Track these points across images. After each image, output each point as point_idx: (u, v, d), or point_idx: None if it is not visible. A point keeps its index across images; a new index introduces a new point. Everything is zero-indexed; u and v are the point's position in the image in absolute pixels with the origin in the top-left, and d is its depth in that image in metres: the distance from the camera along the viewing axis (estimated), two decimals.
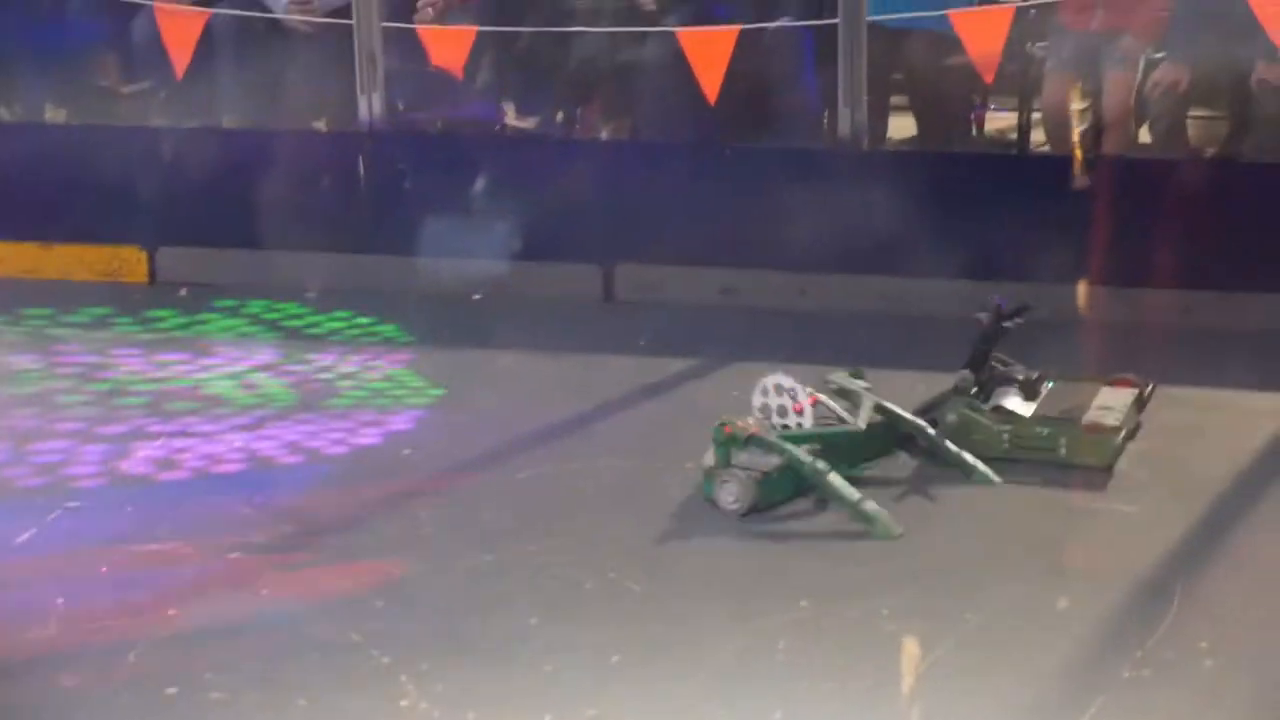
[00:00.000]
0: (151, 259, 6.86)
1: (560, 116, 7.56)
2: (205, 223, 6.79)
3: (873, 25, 6.31)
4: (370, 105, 6.70)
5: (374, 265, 6.67)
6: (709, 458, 4.69)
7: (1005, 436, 4.92)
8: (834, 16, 6.30)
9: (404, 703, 3.71)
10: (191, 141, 6.97)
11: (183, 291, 6.72)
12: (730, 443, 4.64)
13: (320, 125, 7.37)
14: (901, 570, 4.27)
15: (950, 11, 6.43)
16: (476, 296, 6.50)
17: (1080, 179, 6.02)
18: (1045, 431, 4.92)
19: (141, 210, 6.80)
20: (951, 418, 4.95)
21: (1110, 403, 5.07)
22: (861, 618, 4.02)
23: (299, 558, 4.43)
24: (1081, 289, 6.00)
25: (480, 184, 6.62)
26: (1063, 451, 4.88)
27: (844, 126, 6.31)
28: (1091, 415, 4.97)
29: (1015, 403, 5.06)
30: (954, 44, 6.46)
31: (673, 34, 6.54)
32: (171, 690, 3.76)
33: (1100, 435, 4.90)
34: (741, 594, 4.17)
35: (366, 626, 4.03)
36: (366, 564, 4.39)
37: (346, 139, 6.81)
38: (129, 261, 6.87)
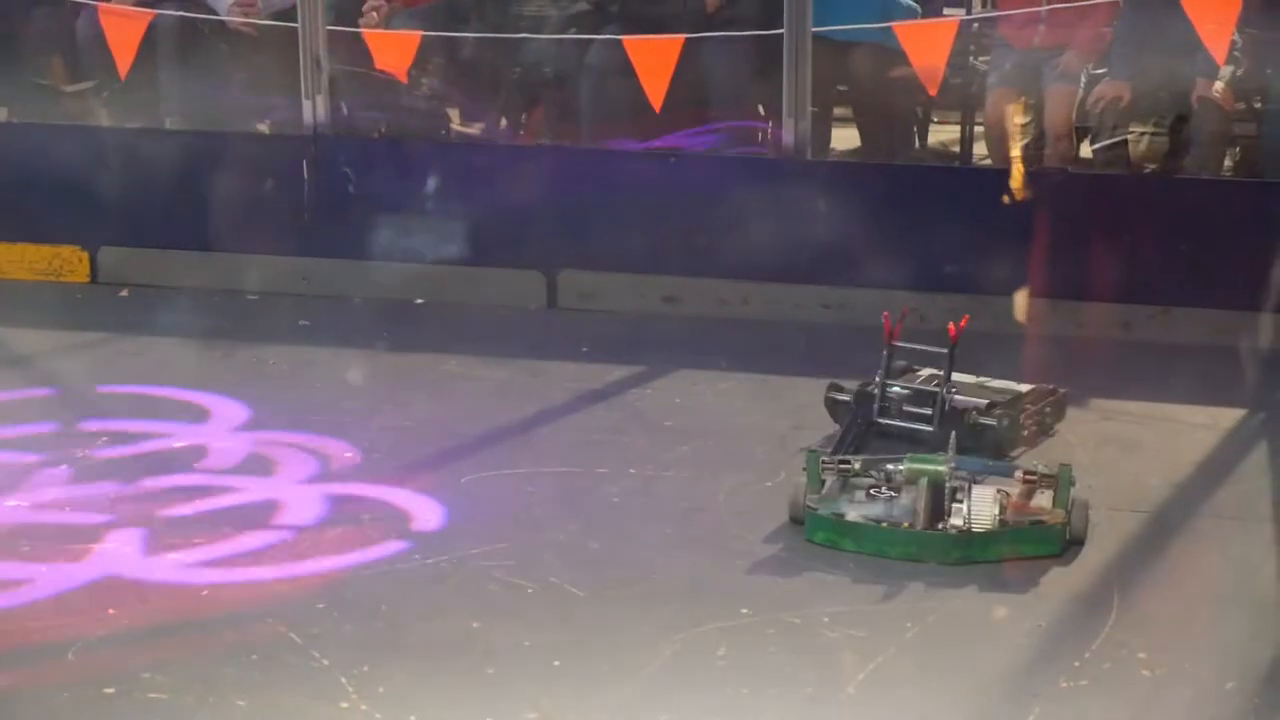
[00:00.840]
0: (93, 259, 6.82)
1: (505, 122, 7.57)
2: (148, 224, 6.76)
3: (818, 36, 6.34)
4: (315, 108, 6.68)
5: (316, 268, 6.65)
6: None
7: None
8: (779, 26, 6.33)
9: (344, 704, 3.69)
10: (134, 142, 6.94)
11: (124, 292, 6.69)
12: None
13: (264, 128, 7.35)
14: (841, 580, 4.29)
15: (895, 24, 6.48)
16: (419, 301, 6.49)
17: (1021, 192, 6.06)
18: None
19: (83, 210, 6.76)
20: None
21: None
22: (802, 625, 4.03)
23: (240, 558, 4.42)
24: (1020, 300, 6.04)
25: (425, 188, 6.62)
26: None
27: (788, 136, 6.34)
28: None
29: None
30: (898, 56, 6.50)
31: (618, 41, 6.56)
32: (110, 690, 3.74)
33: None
34: (682, 600, 4.18)
35: (307, 629, 4.02)
36: (308, 564, 4.38)
37: (290, 141, 6.79)
38: (70, 261, 6.83)
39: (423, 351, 5.98)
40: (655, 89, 6.39)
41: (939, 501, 4.36)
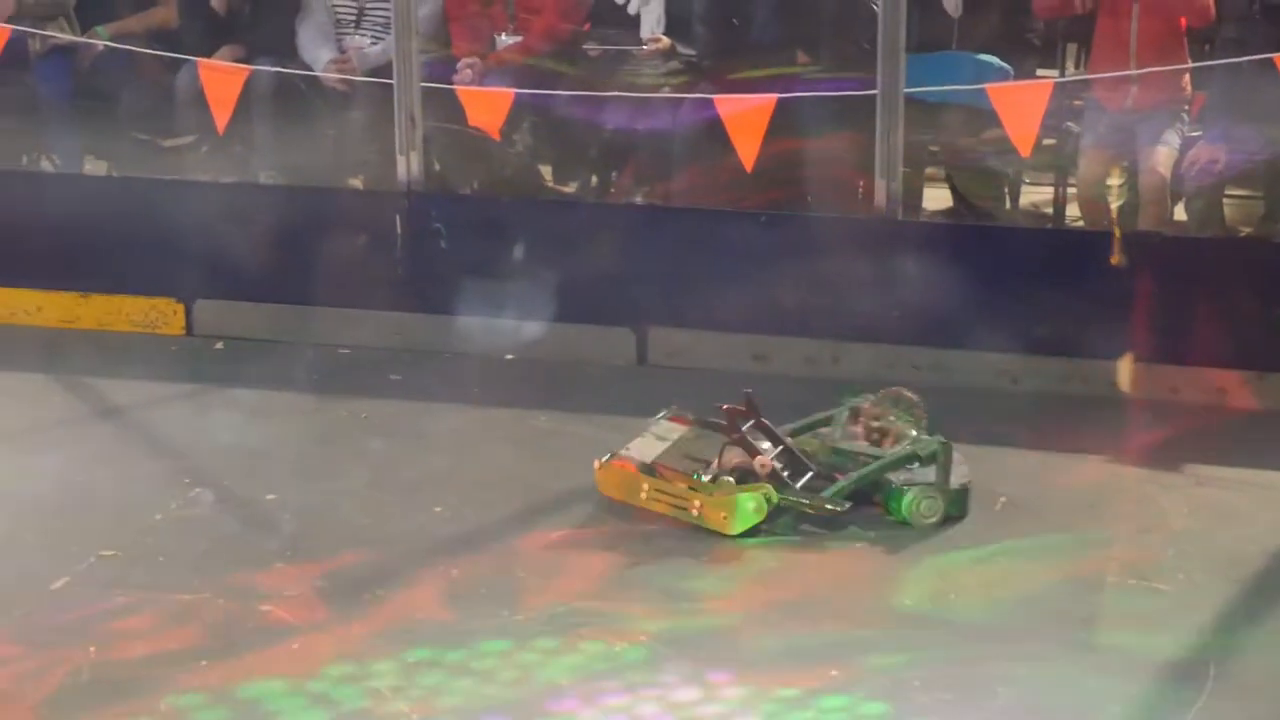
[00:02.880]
0: (188, 311, 6.89)
1: (596, 180, 7.60)
2: (242, 277, 6.83)
3: (910, 97, 6.34)
4: (409, 165, 6.74)
5: (409, 323, 6.69)
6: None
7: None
8: (873, 88, 6.33)
9: None
10: (230, 196, 7.02)
11: (218, 345, 6.75)
12: None
13: (357, 183, 7.42)
14: (930, 638, 4.26)
15: (988, 86, 6.47)
16: (509, 357, 6.51)
17: (1116, 255, 6.02)
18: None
19: (180, 263, 6.83)
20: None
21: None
22: (892, 686, 4.00)
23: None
24: (1120, 365, 5.99)
25: (516, 245, 6.65)
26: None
27: (880, 197, 6.33)
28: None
29: None
30: (991, 118, 6.49)
31: (710, 101, 6.58)
32: None
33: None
34: (764, 666, 4.17)
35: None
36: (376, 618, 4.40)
37: (384, 197, 6.85)
38: (165, 314, 6.90)
39: (512, 407, 6.00)
40: (747, 148, 6.40)
41: None
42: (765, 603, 4.51)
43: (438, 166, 7.18)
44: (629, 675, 4.09)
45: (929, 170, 7.52)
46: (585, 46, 7.41)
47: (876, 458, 5.10)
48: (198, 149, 7.56)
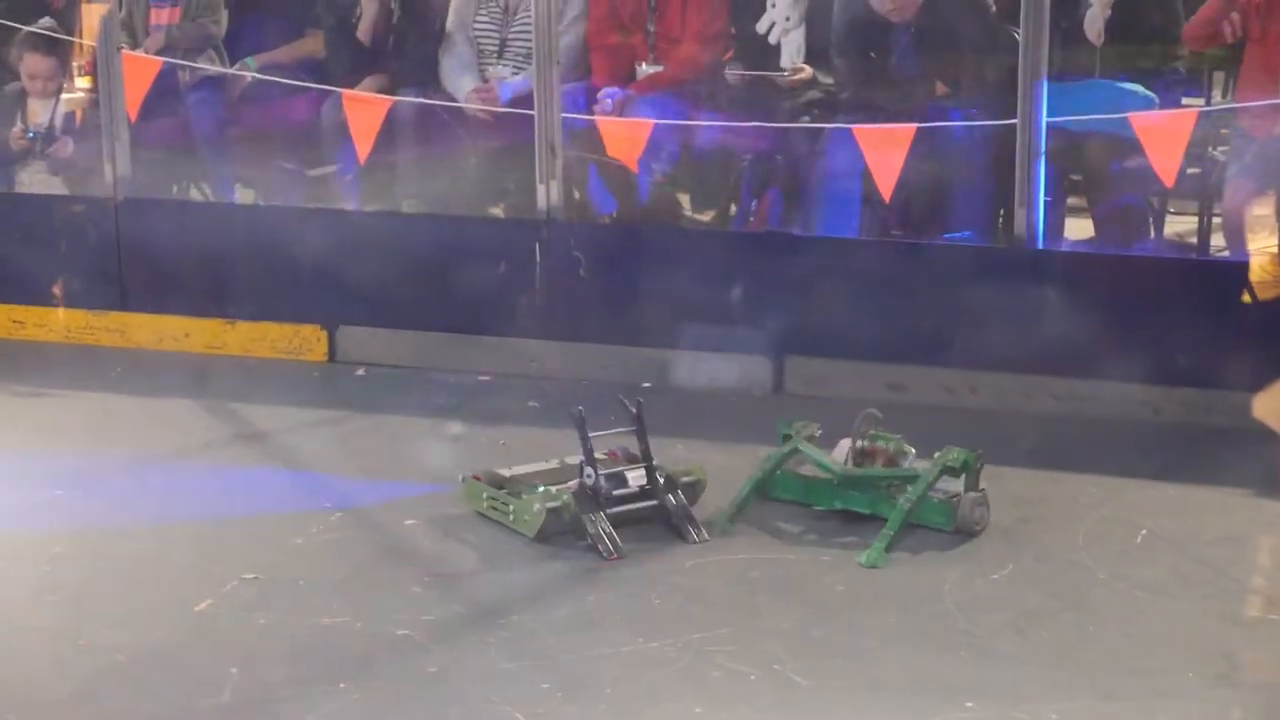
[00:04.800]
0: (331, 338, 7.00)
1: (735, 208, 7.62)
2: (384, 304, 6.92)
3: (1052, 125, 6.29)
4: (548, 193, 6.80)
5: (546, 350, 6.75)
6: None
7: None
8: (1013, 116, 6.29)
9: None
10: (373, 225, 7.12)
11: (360, 371, 6.84)
12: None
13: (498, 212, 7.49)
14: (1068, 678, 4.22)
15: (1131, 115, 6.40)
16: (646, 385, 6.54)
17: (1263, 287, 5.93)
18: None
19: (323, 290, 6.94)
20: None
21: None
22: None
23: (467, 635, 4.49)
24: (1261, 399, 5.90)
25: (653, 274, 6.68)
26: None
27: (1019, 225, 6.29)
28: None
29: None
30: (1134, 146, 6.42)
31: (849, 130, 6.57)
32: None
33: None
34: (906, 691, 4.15)
35: (533, 708, 4.06)
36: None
37: (523, 226, 6.91)
38: (309, 340, 7.01)
39: (649, 435, 6.01)
40: (886, 177, 6.39)
41: None
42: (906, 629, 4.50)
43: (577, 195, 7.24)
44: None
45: (1070, 199, 7.45)
46: (726, 75, 7.43)
47: (909, 477, 5.13)
48: (341, 177, 7.66)
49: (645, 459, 5.22)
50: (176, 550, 5.06)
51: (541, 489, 5.16)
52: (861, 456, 5.28)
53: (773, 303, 6.55)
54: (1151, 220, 7.47)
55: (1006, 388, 6.26)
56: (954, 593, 4.72)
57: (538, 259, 6.79)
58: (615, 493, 5.13)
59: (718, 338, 6.57)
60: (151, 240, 7.14)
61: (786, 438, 5.44)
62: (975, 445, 5.16)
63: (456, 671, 4.30)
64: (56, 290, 7.19)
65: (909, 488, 5.09)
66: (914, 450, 5.26)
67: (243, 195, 7.94)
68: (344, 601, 4.69)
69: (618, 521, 5.08)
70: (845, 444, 5.33)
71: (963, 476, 5.09)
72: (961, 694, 4.11)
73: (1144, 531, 5.12)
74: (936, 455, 5.14)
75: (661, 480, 5.20)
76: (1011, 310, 6.22)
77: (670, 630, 4.48)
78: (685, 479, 5.29)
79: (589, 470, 5.14)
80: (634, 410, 5.23)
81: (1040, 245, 6.31)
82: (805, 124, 7.11)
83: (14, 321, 7.24)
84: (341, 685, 4.22)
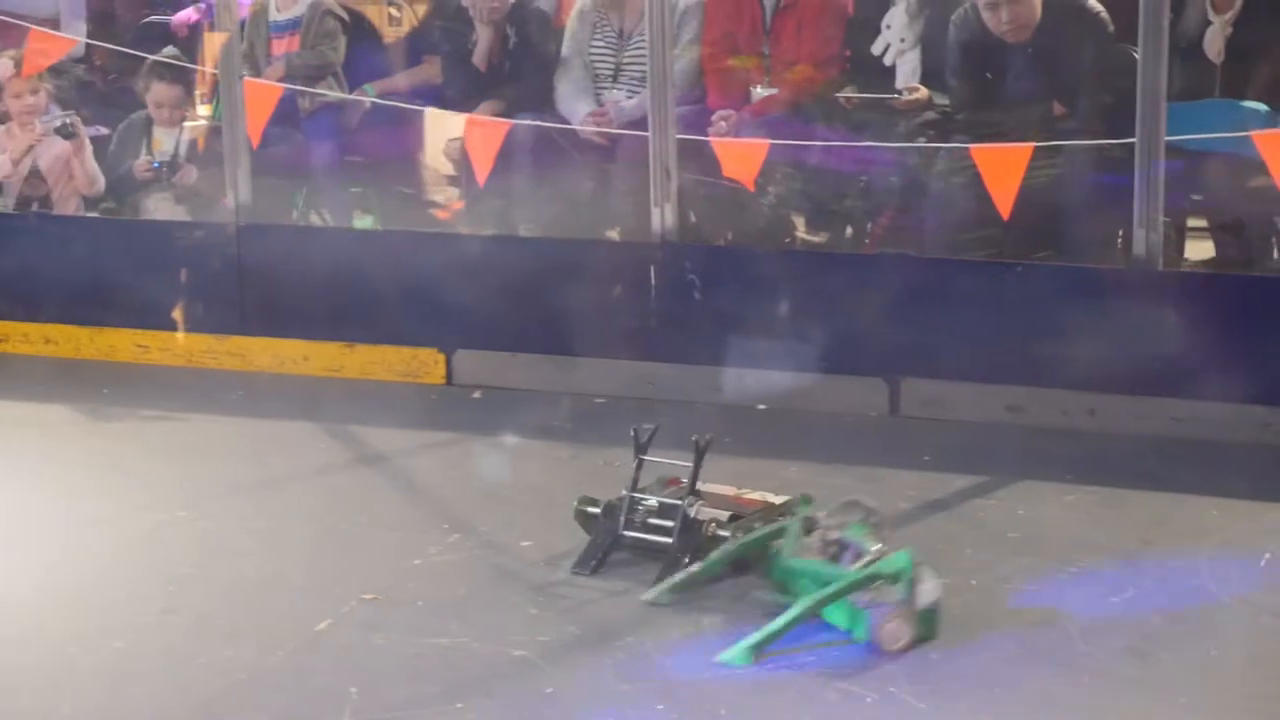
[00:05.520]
0: (449, 361, 7.05)
1: (850, 230, 7.60)
2: (501, 328, 6.97)
3: (1171, 145, 6.23)
4: (663, 216, 6.81)
5: (661, 372, 6.76)
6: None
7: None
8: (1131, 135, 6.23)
9: None
10: (490, 248, 7.17)
11: (477, 394, 6.89)
12: None
13: (613, 235, 7.52)
14: (1195, 700, 4.17)
15: (1254, 133, 6.32)
16: (761, 407, 6.53)
17: None
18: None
19: (441, 314, 7.00)
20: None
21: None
22: None
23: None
24: None
25: (768, 296, 6.68)
26: None
27: (1139, 246, 6.22)
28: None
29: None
30: (1256, 166, 6.34)
31: (966, 150, 6.54)
32: None
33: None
34: (1026, 715, 4.11)
35: None
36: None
37: (639, 248, 6.93)
38: (427, 363, 7.07)
39: (763, 457, 6.01)
40: (1003, 197, 6.34)
41: None
42: None
43: (692, 218, 7.25)
44: None
45: (1190, 219, 7.37)
46: (840, 96, 7.42)
47: (835, 578, 4.62)
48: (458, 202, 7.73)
49: (686, 494, 5.02)
50: (296, 571, 5.12)
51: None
52: (829, 546, 4.83)
53: (888, 324, 6.53)
54: (1275, 240, 7.37)
55: (1124, 409, 6.20)
56: (1074, 616, 4.67)
57: (653, 281, 6.81)
58: (636, 519, 5.02)
59: (833, 359, 6.56)
60: (271, 265, 7.23)
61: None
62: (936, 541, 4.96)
63: (572, 692, 4.31)
64: (179, 315, 7.30)
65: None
66: (877, 546, 4.72)
67: (360, 220, 8.03)
68: (461, 622, 4.72)
69: (635, 545, 5.04)
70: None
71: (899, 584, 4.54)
72: (1082, 717, 4.07)
73: (1268, 555, 5.05)
74: (872, 558, 4.66)
75: (682, 522, 4.93)
76: (1130, 332, 6.16)
77: (784, 653, 4.47)
78: (719, 532, 4.95)
79: (625, 491, 5.08)
80: (699, 444, 5.07)
81: (1160, 266, 6.25)
82: (921, 144, 7.08)
83: (139, 346, 7.36)
84: (459, 705, 4.25)
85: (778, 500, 5.15)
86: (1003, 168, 6.36)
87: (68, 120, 7.76)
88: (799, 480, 5.71)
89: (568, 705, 4.25)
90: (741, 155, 6.92)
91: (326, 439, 6.41)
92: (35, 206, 7.80)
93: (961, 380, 6.43)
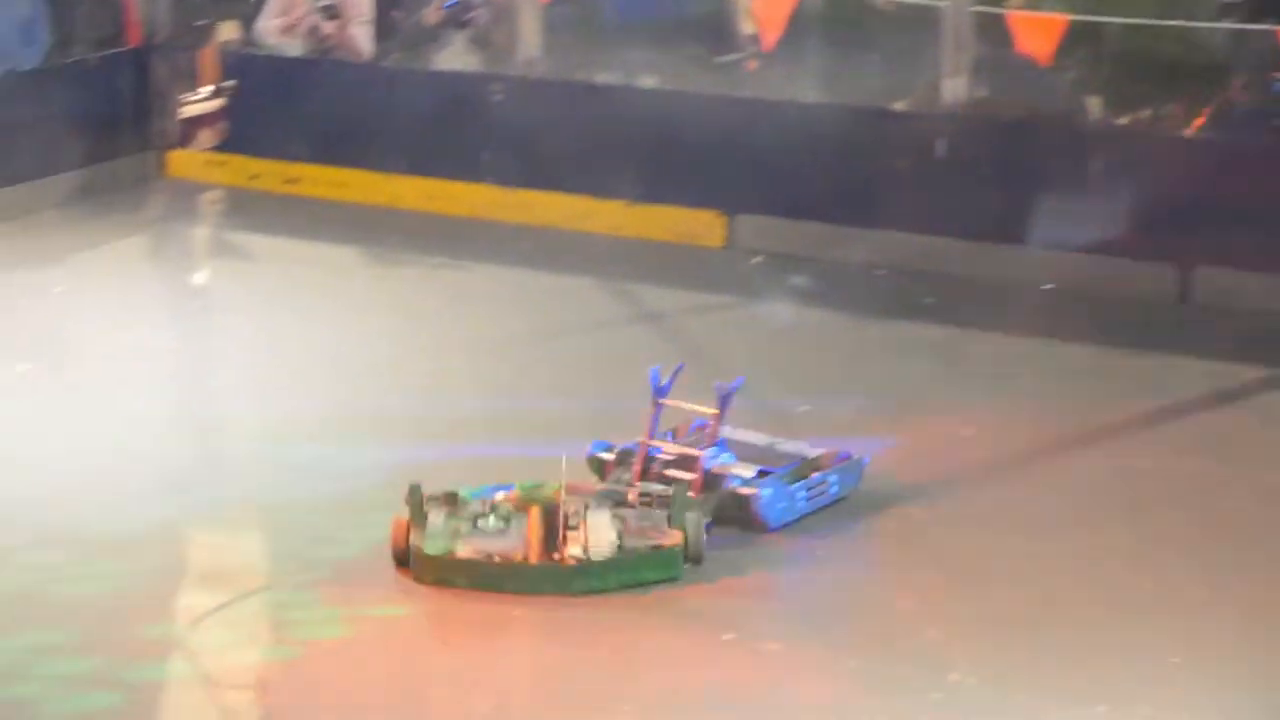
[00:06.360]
0: (729, 225, 7.03)
1: (1146, 111, 7.37)
2: (782, 193, 6.92)
3: None
4: (954, 88, 6.69)
5: (945, 248, 6.66)
6: None
7: (801, 494, 4.47)
8: None
9: (954, 677, 3.72)
10: (775, 114, 7.10)
11: (756, 259, 6.85)
12: None
13: (900, 106, 7.41)
14: None
15: None
16: (1048, 287, 6.40)
17: None
18: (819, 475, 4.56)
19: (722, 177, 6.98)
20: (766, 492, 4.40)
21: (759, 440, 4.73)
22: None
23: None
24: None
25: (1059, 175, 6.53)
26: (835, 490, 4.55)
27: None
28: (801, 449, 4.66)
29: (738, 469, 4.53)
30: None
31: (1273, 32, 6.30)
32: None
33: (851, 460, 4.63)
34: None
35: (926, 598, 4.07)
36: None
37: (927, 120, 6.82)
38: (707, 226, 7.06)
39: (1048, 338, 5.92)
40: None
41: (551, 531, 4.13)
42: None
43: (984, 91, 7.10)
44: None
45: None
46: None
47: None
48: (744, 65, 7.67)
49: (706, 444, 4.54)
50: (576, 420, 5.15)
51: None
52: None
53: (1182, 209, 6.33)
54: None
55: None
56: None
57: (940, 154, 6.69)
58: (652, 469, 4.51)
59: (1125, 243, 6.38)
60: (559, 121, 7.27)
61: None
62: None
63: (847, 560, 4.31)
64: (468, 166, 7.38)
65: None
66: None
67: (645, 80, 8.01)
68: None
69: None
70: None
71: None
72: None
73: None
74: None
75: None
76: None
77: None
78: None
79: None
80: (723, 393, 4.59)
81: None
82: (1228, 25, 6.83)
83: (427, 195, 7.47)
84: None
85: (813, 453, 4.67)
86: None
87: (332, 2, 7.81)
88: (1085, 365, 5.60)
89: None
90: (1039, 29, 6.76)
91: (605, 295, 6.47)
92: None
93: (1259, 270, 6.21)
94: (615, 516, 4.18)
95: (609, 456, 4.62)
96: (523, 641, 3.92)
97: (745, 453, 4.61)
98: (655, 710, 3.62)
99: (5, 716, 3.61)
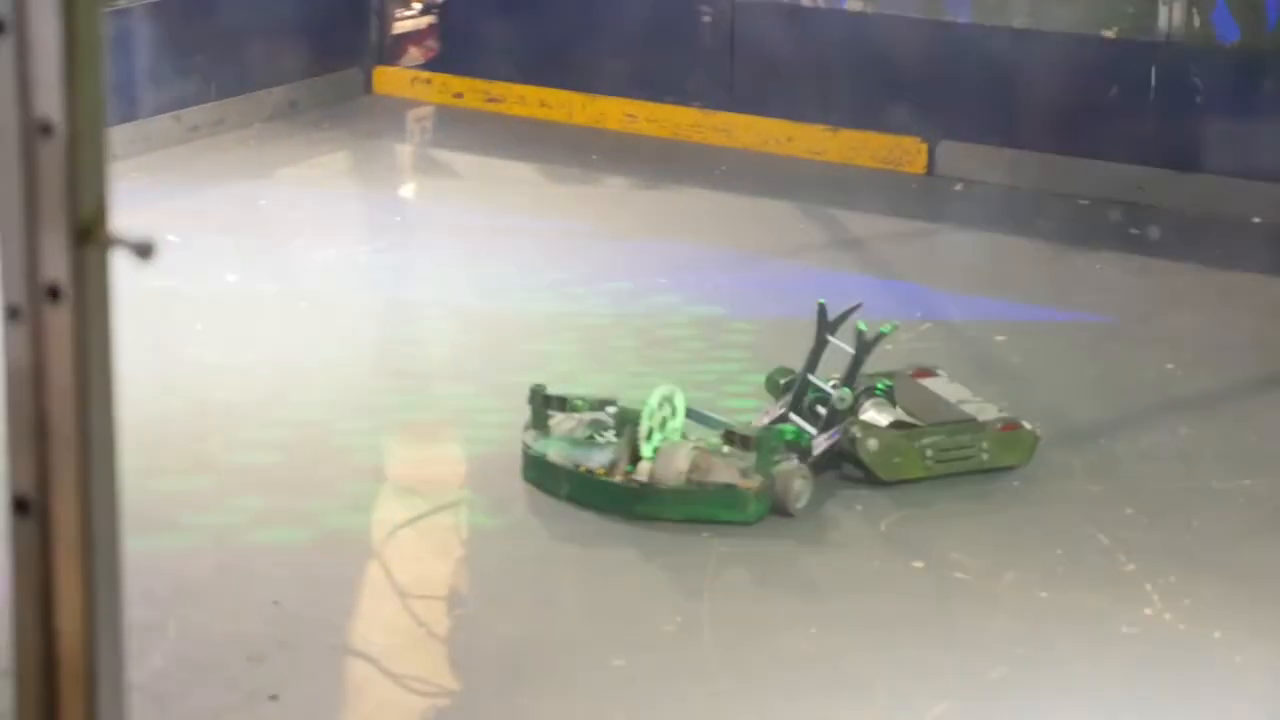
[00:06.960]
0: (931, 152, 6.96)
1: None
2: (986, 120, 6.83)
3: None
4: (1170, 14, 6.53)
5: (1153, 178, 6.53)
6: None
7: (928, 453, 4.26)
8: None
9: (1148, 611, 3.68)
10: (982, 39, 7.00)
11: (958, 186, 6.78)
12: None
13: (1109, 33, 7.25)
14: None
15: None
16: (1256, 220, 6.26)
17: None
18: (966, 439, 4.30)
19: (926, 103, 6.91)
20: (872, 443, 4.21)
21: (952, 394, 4.48)
22: None
23: None
24: None
25: (1273, 106, 6.36)
26: (985, 457, 4.30)
27: None
28: (981, 411, 4.38)
29: (874, 415, 4.37)
30: None
31: None
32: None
33: (1018, 432, 4.34)
34: None
35: (1116, 533, 4.02)
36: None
37: (1140, 48, 6.67)
38: (909, 152, 6.99)
39: (1253, 272, 5.81)
40: None
41: (634, 452, 4.11)
42: None
43: (1198, 20, 6.93)
44: None
45: None
46: None
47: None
48: None
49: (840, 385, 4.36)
50: (769, 343, 5.16)
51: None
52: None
53: None
54: None
55: None
56: None
57: (1152, 82, 6.56)
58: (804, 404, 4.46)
59: None
60: (762, 44, 7.24)
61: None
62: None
63: (1040, 493, 4.27)
64: (671, 88, 7.39)
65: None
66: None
67: (852, 3, 7.93)
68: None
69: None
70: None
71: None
72: None
73: None
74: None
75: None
76: None
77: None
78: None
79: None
80: (866, 338, 4.37)
81: None
82: None
83: (628, 115, 7.49)
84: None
85: (982, 418, 4.36)
86: None
87: None
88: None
89: (1035, 506, 4.21)
90: None
91: (805, 220, 6.44)
92: None
93: None
94: (695, 449, 4.12)
95: (784, 381, 4.57)
96: (709, 562, 3.94)
97: (916, 402, 4.48)
98: (839, 630, 3.62)
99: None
